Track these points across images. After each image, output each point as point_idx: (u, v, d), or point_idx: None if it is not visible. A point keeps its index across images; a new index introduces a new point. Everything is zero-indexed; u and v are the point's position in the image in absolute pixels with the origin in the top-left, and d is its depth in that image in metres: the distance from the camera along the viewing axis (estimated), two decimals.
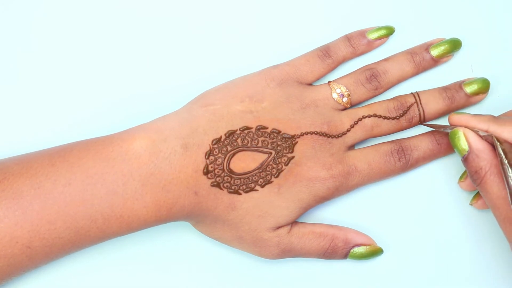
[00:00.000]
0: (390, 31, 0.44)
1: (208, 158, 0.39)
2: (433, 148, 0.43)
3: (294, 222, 0.41)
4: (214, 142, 0.39)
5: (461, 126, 0.39)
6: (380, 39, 0.44)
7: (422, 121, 0.43)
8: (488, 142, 0.38)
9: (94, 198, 0.37)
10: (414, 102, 0.43)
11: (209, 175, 0.39)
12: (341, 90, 0.42)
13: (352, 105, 0.43)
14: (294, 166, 0.40)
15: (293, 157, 0.40)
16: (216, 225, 0.40)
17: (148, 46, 0.46)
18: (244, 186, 0.39)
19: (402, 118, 0.42)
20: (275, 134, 0.40)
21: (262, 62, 0.44)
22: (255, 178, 0.40)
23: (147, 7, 0.46)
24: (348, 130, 0.42)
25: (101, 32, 0.46)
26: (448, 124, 0.40)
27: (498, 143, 0.36)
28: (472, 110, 0.44)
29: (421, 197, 0.44)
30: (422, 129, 0.44)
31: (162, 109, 0.42)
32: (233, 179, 0.39)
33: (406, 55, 0.44)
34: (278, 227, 0.41)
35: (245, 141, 0.40)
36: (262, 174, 0.40)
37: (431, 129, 0.43)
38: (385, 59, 0.44)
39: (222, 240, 0.41)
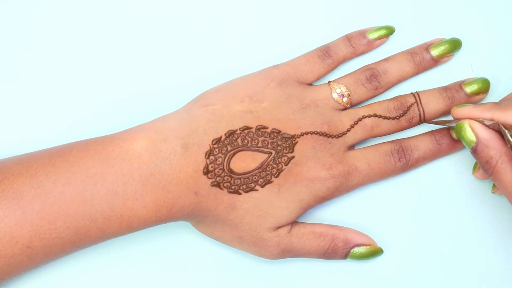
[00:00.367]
0: (390, 31, 0.45)
1: (208, 158, 0.39)
2: (433, 148, 0.43)
3: (294, 222, 0.41)
4: (214, 142, 0.39)
5: (465, 118, 0.38)
6: (380, 39, 0.44)
7: (424, 120, 0.42)
8: (495, 130, 0.37)
9: (94, 198, 0.37)
10: (414, 102, 0.43)
11: (209, 175, 0.39)
12: (341, 90, 0.42)
13: (352, 105, 0.43)
14: (294, 166, 0.40)
15: (293, 157, 0.40)
16: (216, 225, 0.40)
17: (148, 46, 0.46)
18: (244, 186, 0.39)
19: (402, 118, 0.42)
20: (275, 134, 0.40)
21: (262, 62, 0.44)
22: (255, 178, 0.40)
23: (147, 7, 0.46)
24: (348, 130, 0.42)
25: (101, 32, 0.46)
26: (452, 119, 0.40)
27: (506, 130, 0.36)
28: None
29: (421, 197, 0.44)
30: (422, 129, 0.44)
31: (162, 109, 0.42)
32: (233, 179, 0.39)
33: (406, 55, 0.44)
34: (278, 227, 0.41)
35: (245, 141, 0.40)
36: (262, 174, 0.40)
37: (431, 129, 0.43)
38: (385, 59, 0.44)
39: (222, 240, 0.41)
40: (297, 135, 0.40)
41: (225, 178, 0.39)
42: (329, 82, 0.43)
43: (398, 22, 0.45)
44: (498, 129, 0.37)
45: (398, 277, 0.43)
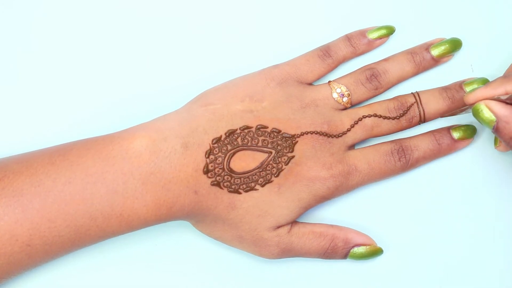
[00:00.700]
0: (390, 30, 0.45)
1: (208, 157, 0.39)
2: (433, 148, 0.43)
3: (294, 222, 0.41)
4: (214, 141, 0.39)
5: (480, 100, 0.37)
6: (381, 38, 0.44)
7: (424, 120, 0.42)
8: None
9: (94, 196, 0.37)
10: (414, 102, 0.43)
11: (209, 174, 0.39)
12: (341, 90, 0.42)
13: (352, 105, 0.43)
14: (294, 166, 0.40)
15: (293, 157, 0.40)
16: (216, 225, 0.40)
17: (148, 46, 0.46)
18: (244, 186, 0.39)
19: (402, 118, 0.42)
20: (275, 134, 0.40)
21: (262, 62, 0.44)
22: (255, 178, 0.40)
23: (147, 7, 0.46)
24: (348, 130, 0.42)
25: (101, 32, 0.46)
26: (459, 115, 0.39)
27: None
28: None
29: (421, 197, 0.44)
30: (422, 129, 0.44)
31: (162, 109, 0.42)
32: (233, 178, 0.39)
33: (406, 55, 0.44)
34: (278, 227, 0.41)
35: (245, 141, 0.40)
36: (262, 173, 0.40)
37: (431, 129, 0.43)
38: (385, 59, 0.44)
39: (222, 239, 0.41)
40: (297, 134, 0.40)
41: (225, 177, 0.39)
42: (329, 82, 0.43)
43: (398, 22, 0.45)
44: None
45: (398, 277, 0.43)
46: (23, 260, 0.37)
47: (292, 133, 0.40)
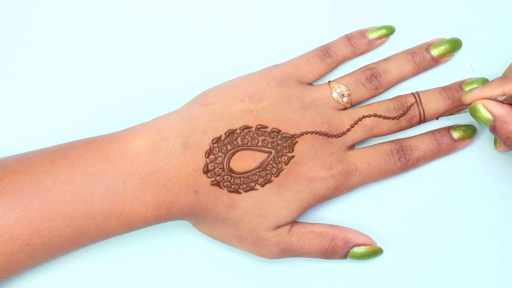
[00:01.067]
0: (390, 30, 0.45)
1: (208, 157, 0.39)
2: (433, 148, 0.43)
3: (294, 222, 0.41)
4: (214, 141, 0.39)
5: (478, 100, 0.38)
6: (381, 38, 0.44)
7: (424, 120, 0.42)
8: (510, 104, 0.37)
9: (94, 196, 0.37)
10: (414, 102, 0.43)
11: (209, 174, 0.39)
12: (341, 90, 0.42)
13: (352, 105, 0.43)
14: (294, 166, 0.40)
15: (293, 157, 0.40)
16: (216, 224, 0.40)
17: (148, 46, 0.46)
18: (244, 185, 0.39)
19: (402, 118, 0.42)
20: (275, 134, 0.40)
21: (262, 62, 0.44)
22: (255, 177, 0.40)
23: (147, 7, 0.46)
24: (348, 130, 0.42)
25: (101, 32, 0.46)
26: (458, 114, 0.40)
27: None
28: None
29: (421, 197, 0.44)
30: (422, 129, 0.44)
31: (162, 109, 0.42)
32: (233, 178, 0.39)
33: (406, 55, 0.44)
34: (278, 227, 0.40)
35: (245, 140, 0.40)
36: (262, 173, 0.40)
37: (431, 128, 0.43)
38: (385, 59, 0.44)
39: (222, 239, 0.41)
40: (297, 134, 0.40)
41: (225, 177, 0.39)
42: (329, 81, 0.43)
43: (398, 22, 0.45)
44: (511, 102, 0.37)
45: (398, 277, 0.43)
46: (23, 259, 0.37)
47: (292, 133, 0.40)
